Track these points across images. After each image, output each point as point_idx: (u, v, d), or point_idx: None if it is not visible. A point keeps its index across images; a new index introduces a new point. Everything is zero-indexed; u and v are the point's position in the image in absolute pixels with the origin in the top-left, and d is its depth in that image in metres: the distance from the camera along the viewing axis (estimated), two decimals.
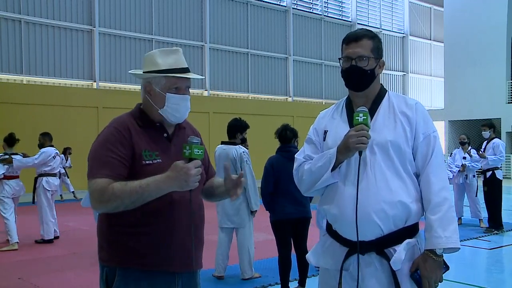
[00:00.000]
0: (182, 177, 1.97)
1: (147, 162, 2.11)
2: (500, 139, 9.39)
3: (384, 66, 2.37)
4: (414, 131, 2.19)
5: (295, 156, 2.40)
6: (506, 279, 6.04)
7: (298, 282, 5.11)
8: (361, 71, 2.22)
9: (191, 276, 2.26)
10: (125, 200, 1.99)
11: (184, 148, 2.03)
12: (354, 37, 2.25)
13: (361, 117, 2.11)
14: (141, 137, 2.14)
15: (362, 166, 2.16)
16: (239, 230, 5.60)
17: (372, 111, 2.25)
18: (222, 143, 5.66)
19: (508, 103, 22.85)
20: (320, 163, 2.22)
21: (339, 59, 2.31)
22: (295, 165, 2.37)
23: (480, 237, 8.18)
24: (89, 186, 2.05)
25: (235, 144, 5.56)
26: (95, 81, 16.91)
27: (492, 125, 8.90)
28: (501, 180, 8.65)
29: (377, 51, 2.27)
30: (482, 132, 8.90)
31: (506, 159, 21.70)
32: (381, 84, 2.35)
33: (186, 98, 2.22)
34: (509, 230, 8.69)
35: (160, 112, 2.18)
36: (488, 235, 8.31)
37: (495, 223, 8.55)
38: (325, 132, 2.33)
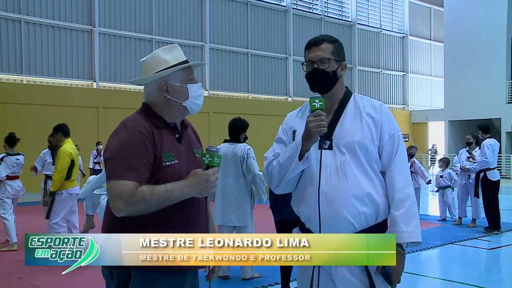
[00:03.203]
0: (203, 184, 2.08)
1: (166, 163, 2.13)
2: (500, 139, 9.42)
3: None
4: (380, 131, 2.31)
5: (264, 155, 2.48)
6: (506, 279, 6.05)
7: None
8: (324, 73, 2.33)
9: (195, 274, 2.28)
10: (153, 204, 2.02)
11: (203, 156, 2.12)
12: (314, 42, 2.37)
13: (317, 103, 2.22)
14: (161, 139, 2.16)
15: (333, 167, 2.26)
16: (242, 229, 5.60)
17: (339, 112, 2.35)
18: (225, 141, 5.68)
19: (508, 103, 22.84)
20: (288, 153, 2.30)
21: (302, 64, 2.42)
22: (265, 163, 2.44)
23: (480, 237, 8.18)
24: (113, 186, 2.03)
25: (239, 142, 5.60)
26: (95, 81, 16.91)
27: (480, 127, 8.97)
28: (496, 181, 8.53)
29: (338, 54, 2.36)
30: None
31: (506, 159, 21.79)
32: (346, 86, 2.45)
33: (201, 86, 2.33)
34: (509, 230, 8.69)
35: (184, 104, 2.23)
36: (488, 235, 8.31)
37: (492, 224, 8.54)
38: (294, 132, 2.42)
